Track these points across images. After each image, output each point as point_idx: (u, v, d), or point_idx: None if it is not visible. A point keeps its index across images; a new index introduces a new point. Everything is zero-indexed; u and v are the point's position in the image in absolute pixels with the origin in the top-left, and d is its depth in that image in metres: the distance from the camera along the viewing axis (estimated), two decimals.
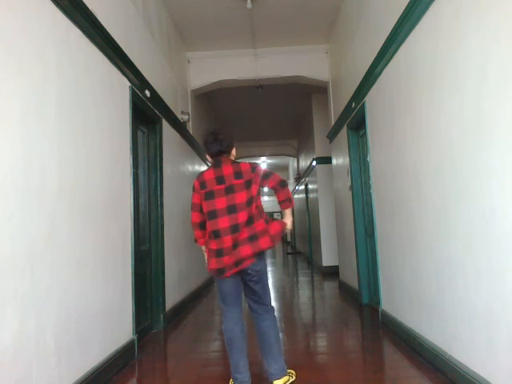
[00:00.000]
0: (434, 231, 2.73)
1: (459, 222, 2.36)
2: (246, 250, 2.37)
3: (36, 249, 2.05)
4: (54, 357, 2.17)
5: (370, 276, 4.79)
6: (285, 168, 18.68)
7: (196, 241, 2.64)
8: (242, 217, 2.38)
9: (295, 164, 14.43)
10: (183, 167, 5.68)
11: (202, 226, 2.56)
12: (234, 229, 2.37)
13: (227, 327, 2.47)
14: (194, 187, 2.56)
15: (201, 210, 2.53)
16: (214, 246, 2.42)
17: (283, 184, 2.49)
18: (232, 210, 2.40)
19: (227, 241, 2.37)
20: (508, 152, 1.88)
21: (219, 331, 4.04)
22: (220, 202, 2.42)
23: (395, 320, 3.59)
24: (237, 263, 2.37)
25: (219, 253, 2.39)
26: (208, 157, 2.64)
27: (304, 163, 11.17)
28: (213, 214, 2.43)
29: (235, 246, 2.37)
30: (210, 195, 2.46)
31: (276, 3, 5.01)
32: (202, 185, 2.50)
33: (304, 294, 6.27)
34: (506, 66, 1.88)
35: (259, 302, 2.52)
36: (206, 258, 2.56)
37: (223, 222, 2.39)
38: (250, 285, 2.48)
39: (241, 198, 2.41)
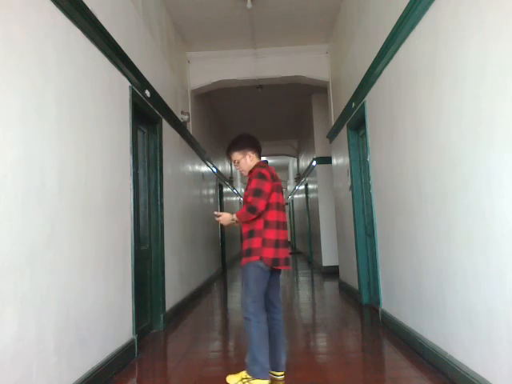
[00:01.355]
0: (433, 231, 2.73)
1: (459, 221, 2.36)
2: (289, 250, 2.70)
3: (36, 249, 2.05)
4: (54, 357, 2.17)
5: (370, 276, 4.79)
6: (285, 168, 18.64)
7: (247, 220, 2.56)
8: (284, 216, 2.67)
9: (295, 164, 14.42)
10: (183, 167, 5.69)
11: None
12: (284, 225, 2.64)
13: (263, 319, 2.52)
14: (264, 176, 2.53)
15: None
16: (273, 235, 2.53)
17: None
18: (282, 207, 2.66)
19: (282, 234, 2.58)
20: (507, 151, 1.88)
21: (219, 331, 4.05)
22: (277, 197, 2.63)
23: (395, 320, 3.59)
24: (287, 261, 2.59)
25: (278, 243, 2.54)
26: (252, 154, 2.72)
27: (304, 163, 11.17)
28: (277, 206, 2.60)
29: (286, 242, 2.61)
30: (277, 189, 2.62)
31: (276, 3, 5.01)
32: (273, 177, 2.60)
33: (304, 294, 6.27)
34: (505, 66, 1.88)
35: (278, 296, 2.74)
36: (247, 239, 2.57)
37: (280, 216, 2.61)
38: (278, 279, 2.73)
39: (282, 198, 2.71)
